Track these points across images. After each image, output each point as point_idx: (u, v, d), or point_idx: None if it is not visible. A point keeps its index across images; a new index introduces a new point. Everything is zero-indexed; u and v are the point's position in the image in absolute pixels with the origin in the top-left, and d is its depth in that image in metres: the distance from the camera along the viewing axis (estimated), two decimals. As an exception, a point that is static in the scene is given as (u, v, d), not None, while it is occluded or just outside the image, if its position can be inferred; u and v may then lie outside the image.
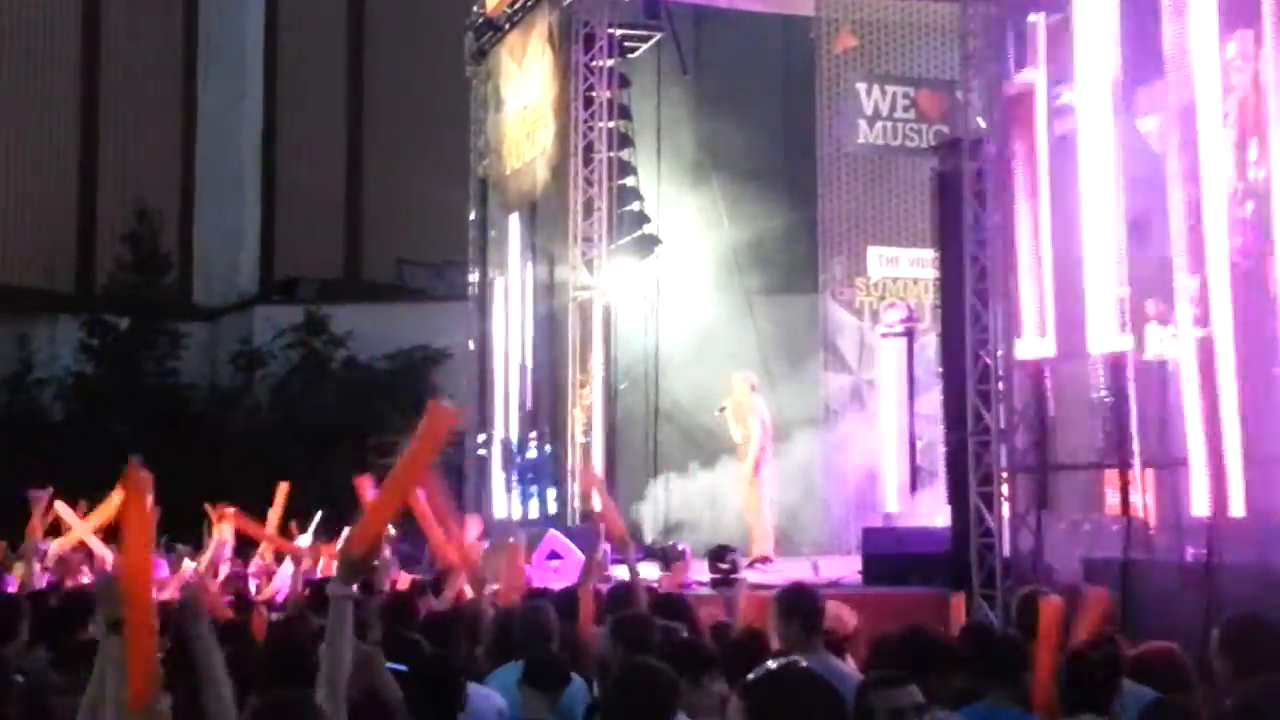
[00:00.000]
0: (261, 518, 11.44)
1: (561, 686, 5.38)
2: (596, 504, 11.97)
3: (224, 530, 11.24)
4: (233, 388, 29.97)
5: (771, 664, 3.70)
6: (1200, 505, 10.11)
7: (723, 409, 15.53)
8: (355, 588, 4.04)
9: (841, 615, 7.00)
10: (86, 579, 10.38)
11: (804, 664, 3.74)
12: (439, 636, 6.30)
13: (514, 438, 18.77)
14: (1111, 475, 11.97)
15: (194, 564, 11.22)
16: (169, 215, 31.39)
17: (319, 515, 12.55)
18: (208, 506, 11.59)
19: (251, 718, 3.84)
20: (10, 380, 29.42)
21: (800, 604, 5.79)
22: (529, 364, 18.52)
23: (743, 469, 15.14)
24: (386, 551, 8.94)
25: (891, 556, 13.23)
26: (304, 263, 32.85)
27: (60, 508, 10.97)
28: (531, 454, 18.14)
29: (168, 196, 32.09)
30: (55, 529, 11.18)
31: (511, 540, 10.33)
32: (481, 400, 19.50)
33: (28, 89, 31.32)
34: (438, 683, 5.01)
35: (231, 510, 9.82)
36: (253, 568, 12.12)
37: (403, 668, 5.24)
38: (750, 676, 3.48)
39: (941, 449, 13.64)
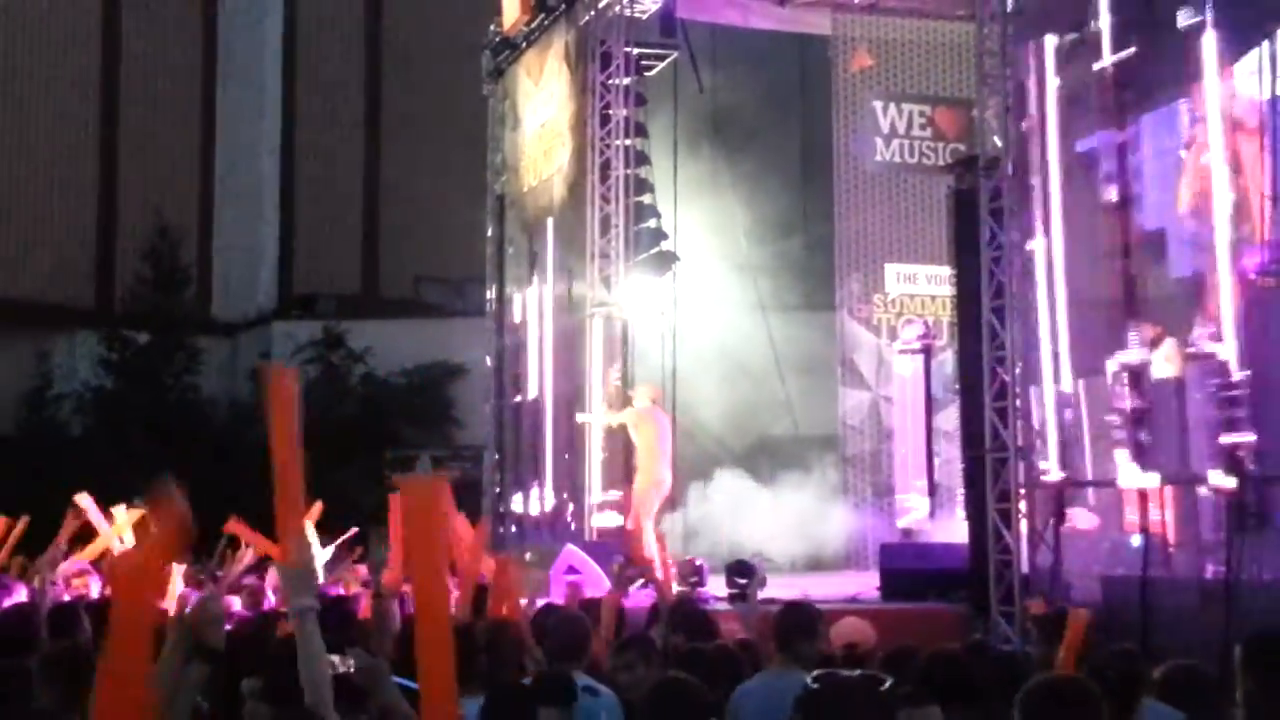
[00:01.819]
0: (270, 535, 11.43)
1: (572, 700, 5.39)
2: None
3: (247, 551, 11.28)
4: (251, 403, 30.05)
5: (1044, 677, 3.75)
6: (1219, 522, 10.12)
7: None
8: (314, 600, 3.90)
9: (861, 631, 7.01)
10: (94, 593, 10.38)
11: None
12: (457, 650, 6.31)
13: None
14: (1131, 492, 11.96)
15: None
16: (188, 231, 31.57)
17: (353, 531, 12.55)
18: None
19: None
20: (30, 395, 29.59)
21: (798, 622, 5.84)
22: (549, 381, 18.55)
23: (640, 482, 14.91)
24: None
25: (909, 572, 13.22)
26: (322, 279, 33.00)
27: (94, 516, 10.94)
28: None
29: (187, 213, 32.29)
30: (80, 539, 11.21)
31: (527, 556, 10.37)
32: (516, 415, 19.49)
33: (48, 106, 31.54)
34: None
35: (234, 522, 9.81)
36: (271, 580, 12.14)
37: (413, 685, 5.24)
38: (1026, 688, 3.54)
39: (959, 465, 13.64)
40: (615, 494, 15.69)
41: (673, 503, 17.19)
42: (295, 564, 3.79)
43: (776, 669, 5.69)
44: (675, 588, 12.55)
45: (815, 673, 3.63)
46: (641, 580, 12.49)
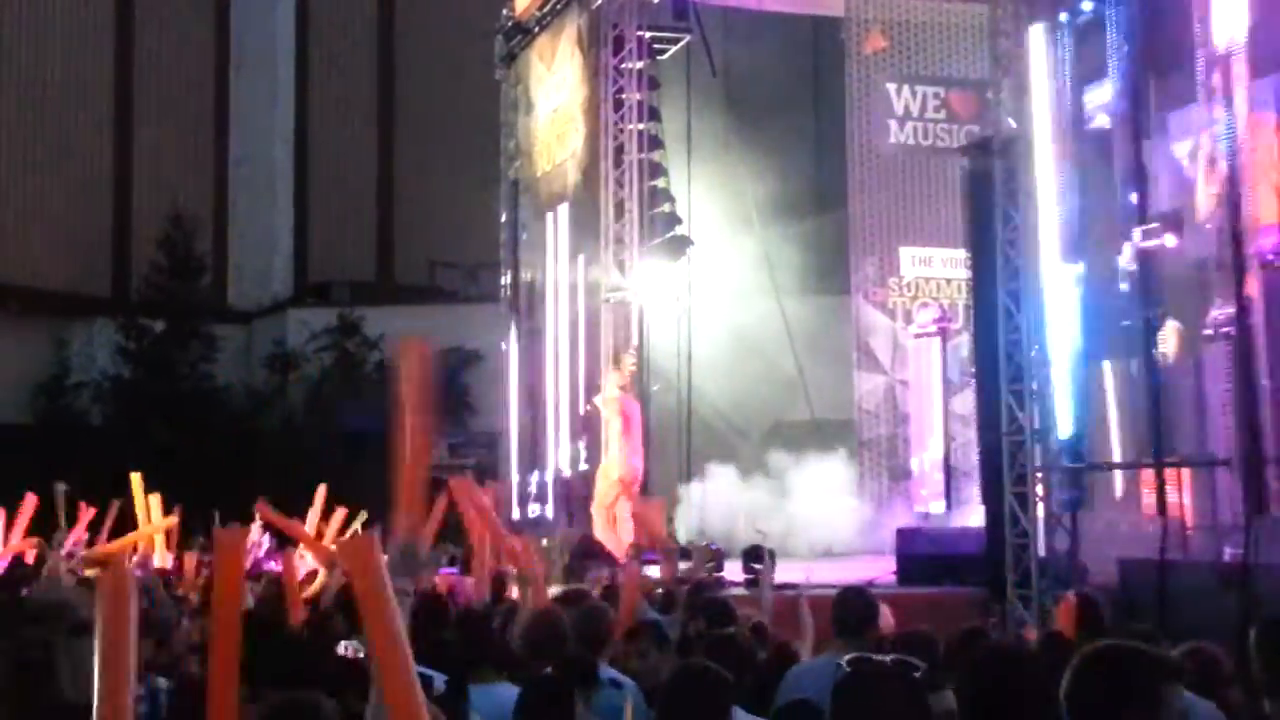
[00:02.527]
0: (296, 519, 11.48)
1: (592, 685, 5.38)
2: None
3: (254, 530, 11.29)
4: (267, 390, 30.16)
5: None
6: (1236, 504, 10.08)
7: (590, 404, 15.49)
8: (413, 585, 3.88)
9: (883, 615, 7.01)
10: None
11: None
12: (473, 635, 6.30)
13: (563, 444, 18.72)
14: (1147, 475, 11.93)
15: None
16: (203, 219, 31.60)
17: (362, 517, 12.56)
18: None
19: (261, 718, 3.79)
20: (48, 383, 29.69)
21: (846, 603, 5.85)
22: (564, 366, 18.55)
23: (608, 465, 14.96)
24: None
25: (926, 557, 13.21)
26: (337, 266, 33.01)
27: (139, 505, 10.95)
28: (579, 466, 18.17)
29: (202, 200, 32.32)
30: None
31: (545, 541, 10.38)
32: (532, 404, 19.50)
33: (63, 97, 31.59)
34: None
35: (262, 504, 9.82)
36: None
37: (432, 673, 5.24)
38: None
39: (976, 449, 13.61)
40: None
41: (689, 485, 17.23)
42: (407, 544, 3.77)
43: (834, 652, 5.69)
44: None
45: (848, 657, 3.64)
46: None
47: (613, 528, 14.46)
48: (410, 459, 3.78)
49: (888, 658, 3.68)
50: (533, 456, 19.37)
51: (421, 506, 3.88)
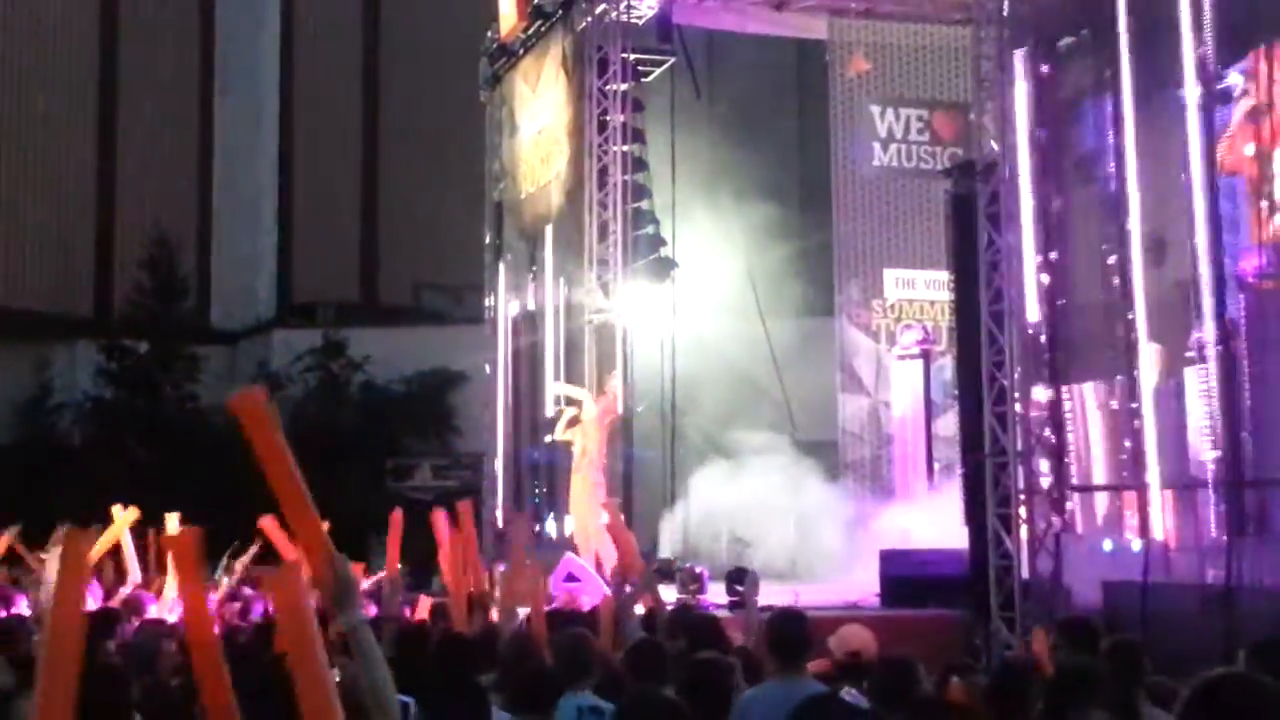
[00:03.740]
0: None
1: (551, 704, 5.32)
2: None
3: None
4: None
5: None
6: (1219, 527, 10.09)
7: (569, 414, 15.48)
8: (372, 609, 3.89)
9: (863, 639, 6.98)
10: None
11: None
12: (457, 661, 6.26)
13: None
14: (1130, 497, 11.94)
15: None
16: (187, 240, 31.57)
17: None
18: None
19: None
20: (29, 405, 29.56)
21: (786, 630, 5.82)
22: (548, 388, 18.52)
23: (581, 483, 14.95)
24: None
25: (910, 579, 13.19)
26: (321, 287, 32.99)
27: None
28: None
29: (185, 222, 32.27)
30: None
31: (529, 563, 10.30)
32: (515, 421, 19.46)
33: (47, 117, 31.54)
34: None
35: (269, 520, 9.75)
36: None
37: (404, 698, 5.18)
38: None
39: (959, 471, 13.61)
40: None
41: (673, 506, 17.20)
42: (331, 580, 3.73)
43: (780, 677, 5.66)
44: (674, 594, 12.52)
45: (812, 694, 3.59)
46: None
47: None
48: (288, 507, 3.72)
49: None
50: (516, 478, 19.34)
51: (322, 540, 3.83)
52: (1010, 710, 4.88)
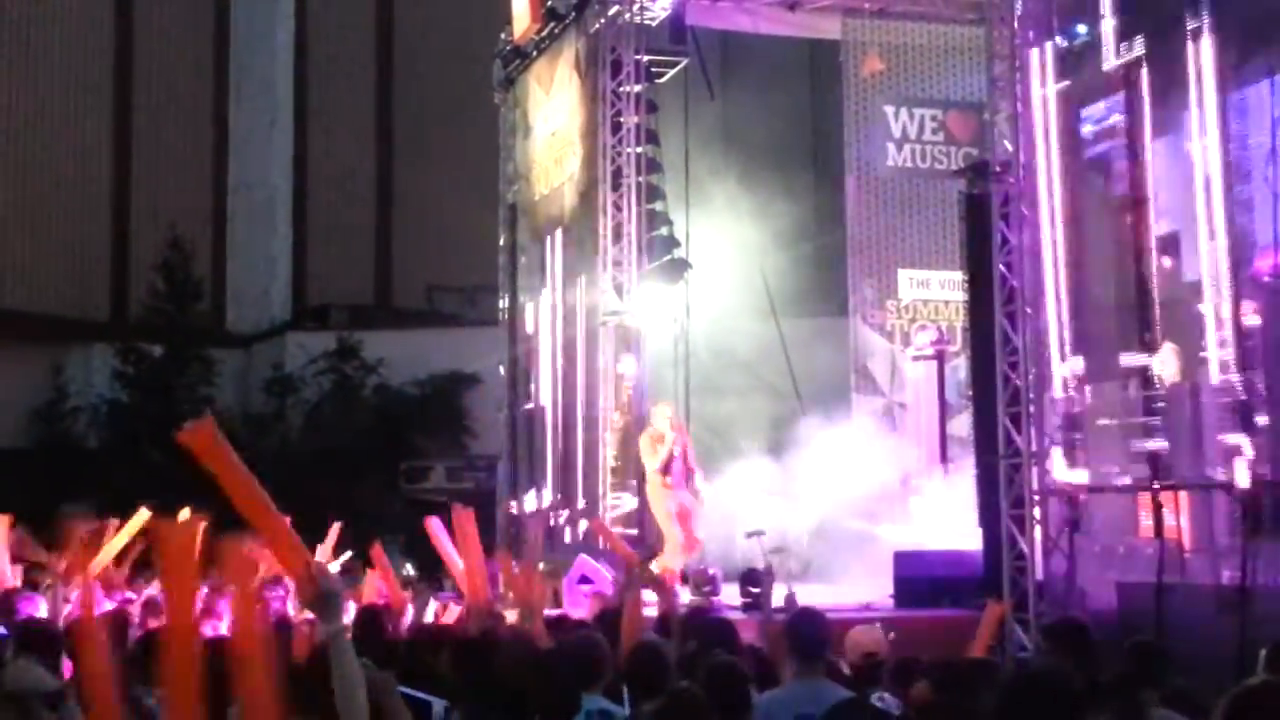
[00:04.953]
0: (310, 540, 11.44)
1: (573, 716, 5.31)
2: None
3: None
4: (265, 414, 30.11)
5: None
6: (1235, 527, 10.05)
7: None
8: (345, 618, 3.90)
9: (876, 639, 6.99)
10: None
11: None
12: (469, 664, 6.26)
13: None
14: (1145, 497, 11.90)
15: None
16: (202, 243, 31.64)
17: (335, 528, 12.41)
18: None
19: None
20: (45, 408, 29.66)
21: (805, 630, 5.81)
22: (561, 390, 18.53)
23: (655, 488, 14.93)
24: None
25: (923, 579, 13.18)
26: (335, 289, 33.04)
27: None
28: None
29: (200, 224, 32.35)
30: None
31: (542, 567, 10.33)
32: (529, 425, 19.46)
33: (61, 120, 31.65)
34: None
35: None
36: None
37: (425, 696, 5.18)
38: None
39: (973, 472, 13.59)
40: (629, 502, 15.68)
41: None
42: (315, 593, 3.78)
43: (801, 679, 5.65)
44: (688, 597, 12.53)
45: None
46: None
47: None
48: (260, 525, 3.78)
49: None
50: (529, 481, 19.33)
51: (298, 554, 3.88)
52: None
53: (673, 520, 14.33)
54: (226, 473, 3.59)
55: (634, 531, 15.07)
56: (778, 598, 10.55)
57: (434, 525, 8.20)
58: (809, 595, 13.04)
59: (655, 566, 13.63)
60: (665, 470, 14.61)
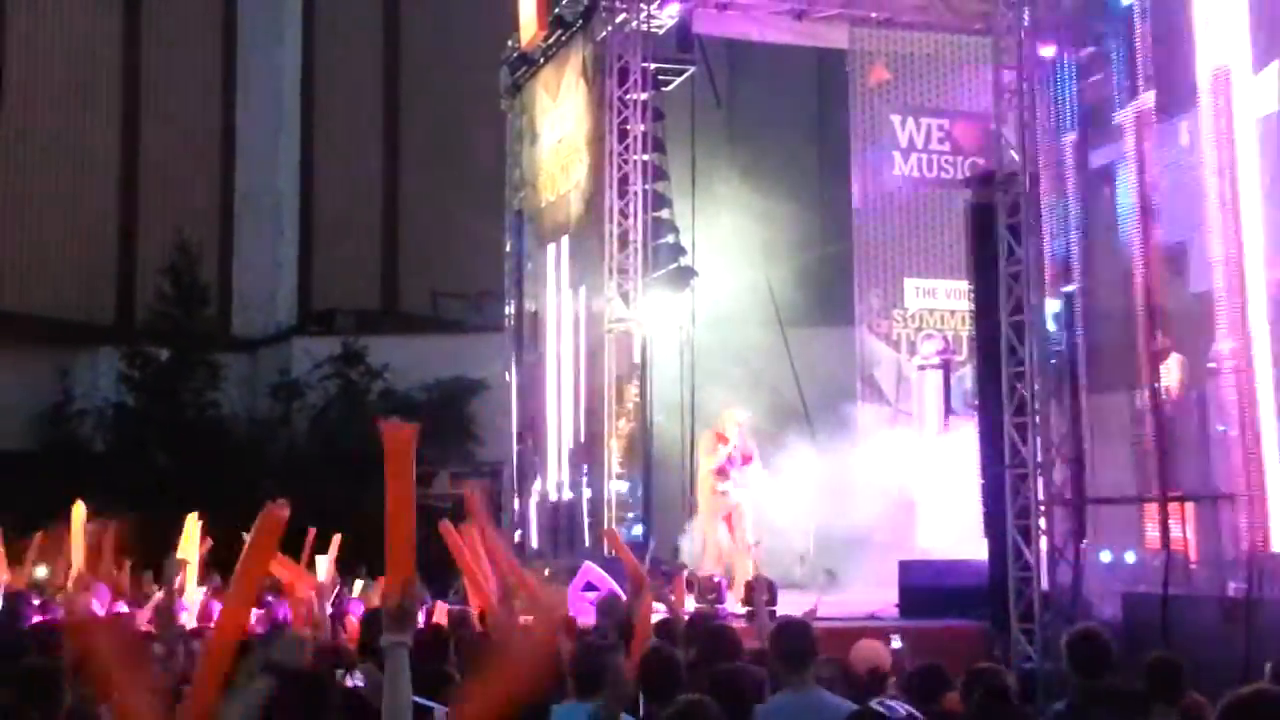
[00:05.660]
0: (300, 547, 11.43)
1: None
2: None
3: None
4: (271, 419, 30.11)
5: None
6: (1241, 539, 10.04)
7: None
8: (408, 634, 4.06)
9: (879, 654, 6.98)
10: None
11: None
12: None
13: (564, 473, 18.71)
14: (1151, 509, 11.89)
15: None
16: (208, 248, 31.62)
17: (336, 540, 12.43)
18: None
19: None
20: (51, 411, 29.67)
21: (789, 639, 5.85)
22: (567, 397, 18.54)
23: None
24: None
25: (929, 589, 13.16)
26: (341, 294, 33.04)
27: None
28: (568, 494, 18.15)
29: (207, 229, 32.34)
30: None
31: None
32: (533, 433, 19.48)
33: (68, 122, 31.69)
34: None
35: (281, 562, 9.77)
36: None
37: (430, 703, 5.19)
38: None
39: (979, 482, 13.57)
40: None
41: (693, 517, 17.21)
42: (398, 606, 4.01)
43: (796, 689, 5.67)
44: (692, 604, 12.51)
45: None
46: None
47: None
48: (394, 531, 4.06)
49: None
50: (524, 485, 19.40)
51: (409, 570, 4.13)
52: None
53: (717, 523, 14.41)
54: (399, 476, 4.01)
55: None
56: (805, 606, 10.52)
57: (446, 528, 8.15)
58: (818, 604, 13.00)
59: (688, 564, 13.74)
60: (720, 473, 14.71)
